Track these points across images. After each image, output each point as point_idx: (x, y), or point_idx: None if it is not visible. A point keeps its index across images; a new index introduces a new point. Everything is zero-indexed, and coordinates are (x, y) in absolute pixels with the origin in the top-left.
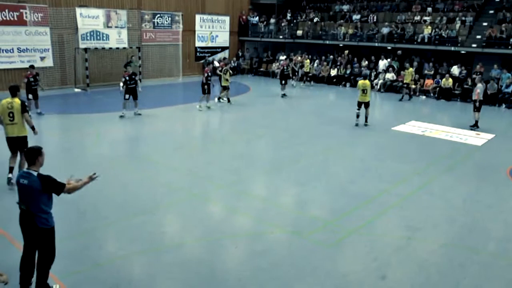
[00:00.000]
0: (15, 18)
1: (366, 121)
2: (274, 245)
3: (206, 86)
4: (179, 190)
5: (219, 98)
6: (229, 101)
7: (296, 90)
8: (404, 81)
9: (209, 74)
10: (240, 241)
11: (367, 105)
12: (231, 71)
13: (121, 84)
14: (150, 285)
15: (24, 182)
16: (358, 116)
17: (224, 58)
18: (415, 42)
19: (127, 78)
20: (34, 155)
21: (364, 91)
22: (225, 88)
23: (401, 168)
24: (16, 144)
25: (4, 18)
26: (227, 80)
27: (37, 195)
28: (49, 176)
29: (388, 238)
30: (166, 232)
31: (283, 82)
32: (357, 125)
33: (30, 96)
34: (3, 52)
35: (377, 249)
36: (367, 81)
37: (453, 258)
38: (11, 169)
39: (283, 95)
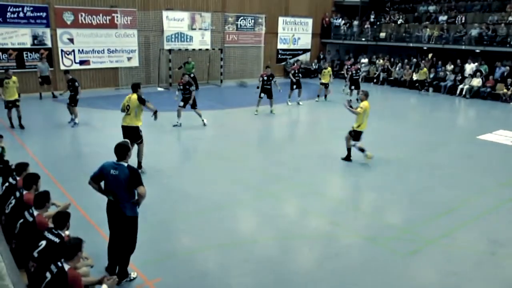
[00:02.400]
0: (107, 22)
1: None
2: (348, 250)
3: (260, 90)
4: (253, 188)
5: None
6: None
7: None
8: None
9: (264, 78)
10: (313, 243)
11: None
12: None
13: (176, 92)
14: (223, 280)
15: (115, 173)
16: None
17: (297, 60)
18: (508, 45)
19: (181, 87)
20: (124, 150)
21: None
22: (326, 86)
23: (485, 179)
24: (127, 132)
25: (98, 22)
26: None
27: (126, 185)
28: (137, 170)
29: (469, 252)
30: (240, 228)
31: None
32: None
33: (68, 101)
34: (96, 53)
35: (456, 262)
36: (366, 103)
37: None
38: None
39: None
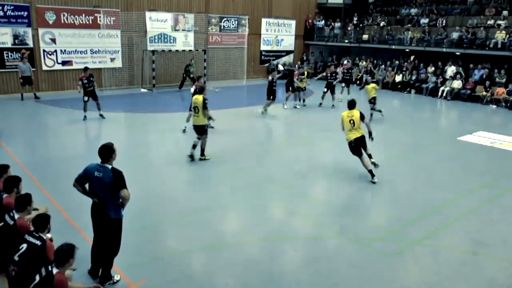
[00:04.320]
0: (90, 22)
1: (202, 154)
2: (334, 251)
3: (270, 92)
4: (241, 190)
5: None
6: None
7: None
8: None
9: (274, 79)
10: (299, 245)
11: (200, 131)
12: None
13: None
14: (209, 282)
15: (99, 175)
16: (193, 146)
17: (299, 68)
18: (487, 48)
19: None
20: (108, 152)
21: (195, 109)
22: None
23: (468, 180)
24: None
25: (81, 22)
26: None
27: (110, 187)
28: (121, 172)
29: (453, 252)
30: (226, 230)
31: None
32: (191, 157)
33: (86, 98)
34: (78, 53)
35: (440, 262)
36: (199, 96)
37: None
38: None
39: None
